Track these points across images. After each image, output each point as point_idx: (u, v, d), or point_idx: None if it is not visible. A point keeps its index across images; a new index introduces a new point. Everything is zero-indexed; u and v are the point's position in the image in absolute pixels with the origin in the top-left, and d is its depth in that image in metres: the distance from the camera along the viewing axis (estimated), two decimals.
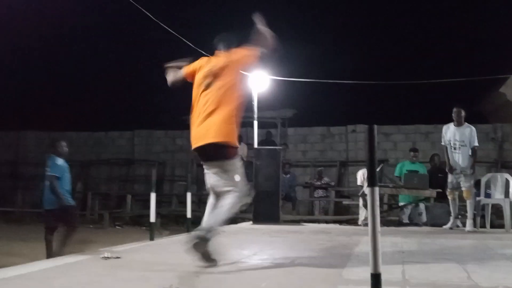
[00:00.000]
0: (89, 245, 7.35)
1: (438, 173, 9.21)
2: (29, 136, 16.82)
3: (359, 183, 9.52)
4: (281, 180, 10.23)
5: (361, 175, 9.51)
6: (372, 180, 2.54)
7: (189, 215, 7.36)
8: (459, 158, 7.59)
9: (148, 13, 7.60)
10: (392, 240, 5.80)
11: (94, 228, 12.72)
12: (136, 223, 13.19)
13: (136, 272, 3.66)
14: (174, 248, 5.37)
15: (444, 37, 22.61)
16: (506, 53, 14.77)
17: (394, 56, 22.29)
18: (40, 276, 3.52)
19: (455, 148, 7.63)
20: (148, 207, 6.31)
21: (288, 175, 12.39)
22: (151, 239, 6.06)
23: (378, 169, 9.95)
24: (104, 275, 3.55)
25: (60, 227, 6.77)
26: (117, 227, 13.08)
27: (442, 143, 7.88)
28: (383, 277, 2.51)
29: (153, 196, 6.21)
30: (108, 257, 4.21)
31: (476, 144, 7.62)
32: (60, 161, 7.13)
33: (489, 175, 8.51)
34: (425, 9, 22.66)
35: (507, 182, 8.01)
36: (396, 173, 9.85)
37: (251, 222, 8.51)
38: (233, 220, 11.25)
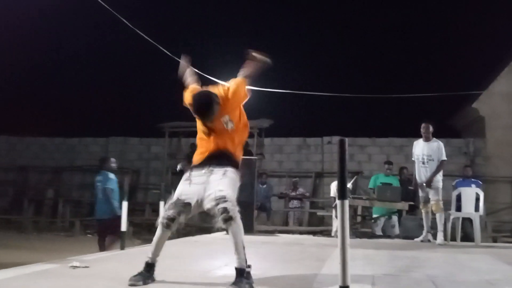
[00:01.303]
0: (58, 253, 7.21)
1: (408, 186, 9.33)
2: (1, 141, 16.48)
3: (332, 194, 9.56)
4: (257, 190, 10.31)
5: (334, 186, 9.56)
6: (342, 193, 2.55)
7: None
8: (426, 172, 7.72)
9: (125, 20, 7.55)
10: (363, 253, 5.82)
11: (64, 236, 12.51)
12: None
13: (104, 282, 3.60)
14: (144, 258, 5.29)
15: (420, 51, 23.01)
16: (479, 69, 15.11)
17: (370, 70, 22.61)
18: (5, 285, 3.42)
19: (423, 163, 7.77)
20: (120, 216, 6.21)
21: (265, 185, 12.39)
22: (122, 248, 5.97)
23: (352, 181, 10.08)
24: (70, 285, 3.47)
25: (108, 234, 7.50)
26: (88, 235, 12.86)
27: (413, 159, 8.03)
28: None
29: (124, 205, 6.12)
30: (76, 266, 4.13)
31: (444, 158, 7.76)
32: (112, 175, 7.90)
33: (460, 189, 8.63)
34: (400, 24, 23.06)
35: (478, 196, 8.14)
36: (370, 185, 9.94)
37: (224, 232, 8.45)
38: (207, 230, 11.21)
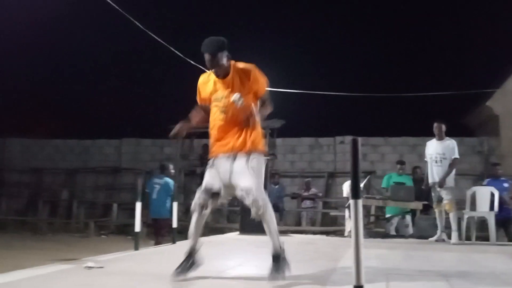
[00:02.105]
0: (72, 254, 7.27)
1: (421, 185, 9.27)
2: (15, 143, 16.67)
3: (345, 194, 9.53)
4: (269, 190, 10.42)
5: (347, 186, 9.53)
6: (355, 193, 2.54)
7: (175, 225, 7.31)
8: (440, 171, 7.67)
9: (137, 23, 7.60)
10: (377, 252, 5.79)
11: (79, 237, 12.61)
12: (122, 232, 13.07)
13: (118, 282, 3.62)
14: (158, 258, 5.33)
15: (433, 50, 22.86)
16: (493, 67, 14.97)
17: (384, 69, 22.50)
18: (21, 285, 3.47)
19: (436, 161, 7.74)
20: (134, 216, 6.25)
21: (277, 186, 12.38)
22: (136, 248, 6.00)
23: (365, 181, 10.03)
24: (86, 285, 3.50)
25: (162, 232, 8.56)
26: (102, 236, 12.96)
27: (425, 159, 7.99)
28: None
29: (138, 205, 6.15)
30: (91, 267, 4.16)
31: (456, 156, 7.71)
32: (171, 181, 8.73)
33: (474, 188, 8.57)
34: (414, 23, 22.92)
35: (492, 195, 8.07)
36: (383, 185, 9.89)
37: (237, 233, 8.47)
38: (220, 230, 11.23)
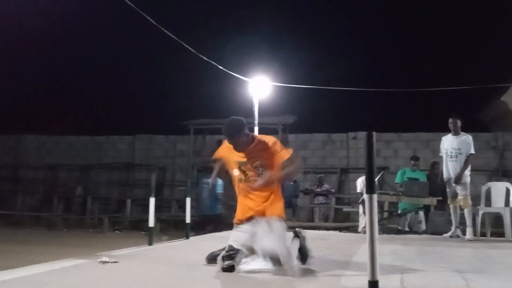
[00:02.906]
0: (87, 249, 7.33)
1: (437, 181, 9.19)
2: (30, 140, 16.83)
3: (358, 190, 9.50)
4: (284, 186, 10.51)
5: (361, 182, 9.50)
6: (370, 187, 2.53)
7: (188, 220, 7.34)
8: (456, 166, 7.60)
9: (150, 19, 7.62)
10: (391, 248, 5.77)
11: (93, 232, 12.72)
12: (136, 228, 13.16)
13: (133, 277, 3.65)
14: (172, 253, 5.36)
15: (447, 45, 22.63)
16: (508, 61, 14.78)
17: (396, 64, 22.34)
18: (37, 279, 3.51)
19: (451, 157, 7.66)
20: (148, 212, 6.28)
21: (292, 183, 12.45)
22: (150, 244, 6.03)
23: (378, 177, 9.98)
24: (101, 280, 3.53)
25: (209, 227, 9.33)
26: (116, 231, 13.06)
27: (440, 154, 7.92)
28: (381, 285, 2.50)
29: (152, 201, 6.18)
30: (106, 262, 4.20)
31: (472, 151, 7.63)
32: (220, 181, 9.07)
33: (489, 183, 8.49)
34: (428, 18, 22.72)
35: (508, 190, 7.99)
36: (397, 180, 9.82)
37: None
38: (232, 226, 11.26)
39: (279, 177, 4.08)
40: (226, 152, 4.26)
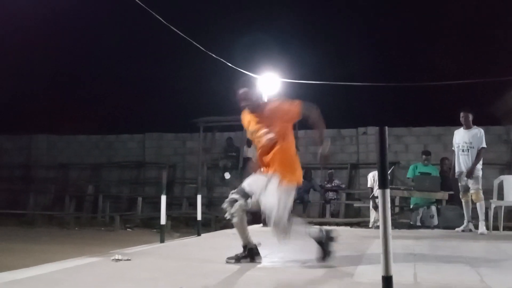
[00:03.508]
0: (100, 247, 7.37)
1: (448, 176, 9.14)
2: (41, 140, 16.94)
3: (369, 185, 9.47)
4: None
5: (371, 177, 9.47)
6: (383, 182, 2.51)
7: (199, 217, 7.36)
8: (468, 160, 7.55)
9: (159, 17, 7.62)
10: (403, 243, 5.75)
11: (105, 231, 12.79)
12: (147, 226, 13.23)
13: (146, 274, 3.67)
14: (184, 250, 5.38)
15: (458, 38, 22.45)
16: None
17: (406, 58, 22.18)
18: (50, 278, 3.53)
19: (463, 150, 7.62)
20: (159, 210, 6.31)
21: (307, 181, 12.54)
22: (162, 241, 6.07)
23: (389, 171, 9.94)
24: (114, 277, 3.55)
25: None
26: (128, 229, 13.13)
27: (453, 148, 7.88)
28: (395, 280, 2.48)
29: (163, 199, 6.21)
30: (118, 259, 4.22)
31: (484, 145, 7.58)
32: None
33: (501, 177, 8.42)
34: (438, 10, 22.53)
35: None
36: (409, 175, 9.77)
37: (261, 225, 8.49)
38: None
39: (320, 135, 4.22)
40: (244, 119, 4.34)
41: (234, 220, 4.06)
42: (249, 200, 4.01)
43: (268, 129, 4.07)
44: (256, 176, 4.16)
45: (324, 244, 4.02)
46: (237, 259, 4.11)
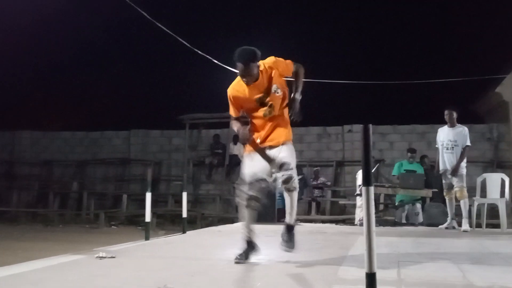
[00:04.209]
0: (84, 244, 7.31)
1: (431, 173, 9.24)
2: (25, 136, 16.75)
3: (358, 183, 9.52)
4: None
5: (361, 174, 9.53)
6: (367, 180, 2.53)
7: (185, 214, 7.33)
8: (452, 158, 7.62)
9: (144, 13, 7.58)
10: (387, 240, 5.80)
11: (89, 228, 12.70)
12: (132, 223, 13.16)
13: (130, 272, 3.65)
14: (169, 247, 5.36)
15: (441, 36, 22.65)
16: (502, 53, 14.80)
17: (391, 56, 22.33)
18: (34, 276, 3.50)
19: (447, 148, 7.68)
20: (144, 207, 6.29)
21: (300, 177, 12.58)
22: (146, 238, 6.04)
23: (374, 169, 10.00)
24: (98, 275, 3.53)
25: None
26: (112, 226, 13.05)
27: (436, 146, 7.94)
28: (379, 277, 2.50)
29: (148, 196, 6.18)
30: (103, 257, 4.19)
31: (468, 143, 7.66)
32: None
33: (484, 175, 8.52)
34: (422, 9, 22.70)
35: (503, 182, 8.02)
36: (394, 173, 9.83)
37: (242, 224, 8.49)
38: (230, 220, 11.27)
39: (299, 88, 4.08)
40: (240, 92, 4.09)
41: (251, 210, 4.04)
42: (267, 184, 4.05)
43: (277, 86, 4.02)
44: (257, 157, 4.07)
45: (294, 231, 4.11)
46: (246, 255, 4.07)
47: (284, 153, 3.98)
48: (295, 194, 3.99)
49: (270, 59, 4.08)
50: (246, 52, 3.94)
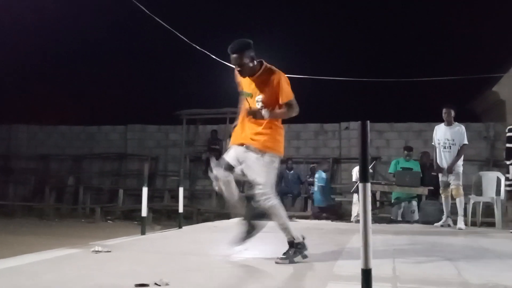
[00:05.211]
0: (80, 239, 7.31)
1: (430, 171, 9.24)
2: (21, 130, 16.71)
3: (354, 179, 9.54)
4: (284, 176, 12.23)
5: (357, 171, 9.54)
6: (364, 176, 2.53)
7: (181, 210, 7.34)
8: (448, 156, 7.62)
9: (142, 7, 7.55)
10: (383, 237, 5.81)
11: (85, 222, 12.68)
12: (128, 218, 13.15)
13: (126, 266, 3.65)
14: (165, 242, 5.36)
15: (439, 35, 22.66)
16: (499, 52, 14.83)
17: (388, 54, 22.34)
18: (29, 269, 3.49)
19: (445, 147, 7.66)
20: (140, 202, 6.28)
21: (292, 171, 12.57)
22: (142, 233, 6.04)
23: (370, 166, 10.01)
24: (94, 269, 3.53)
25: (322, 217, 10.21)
26: (108, 221, 13.04)
27: (433, 143, 7.93)
28: (374, 273, 2.50)
29: (145, 191, 6.18)
30: (98, 251, 4.19)
31: (466, 142, 7.66)
32: (323, 174, 11.12)
33: (480, 173, 8.55)
34: (420, 7, 22.71)
35: (498, 180, 8.05)
36: (391, 170, 9.86)
37: (242, 218, 8.50)
38: (225, 215, 11.26)
39: (277, 114, 3.97)
40: (237, 79, 4.16)
41: (225, 187, 3.97)
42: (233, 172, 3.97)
43: (262, 98, 3.93)
44: (234, 148, 4.04)
45: (296, 245, 3.93)
46: (246, 236, 4.08)
47: (254, 169, 3.87)
48: (274, 210, 3.87)
49: (277, 72, 3.97)
50: (237, 43, 3.93)
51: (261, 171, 3.86)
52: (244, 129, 4.04)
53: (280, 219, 3.91)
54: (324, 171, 11.28)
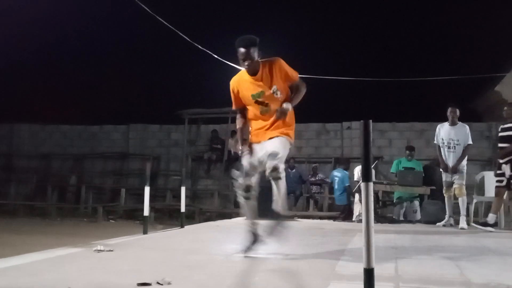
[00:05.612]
0: (82, 238, 7.32)
1: (435, 171, 9.22)
2: (23, 129, 16.74)
3: (356, 178, 9.53)
4: (286, 174, 11.30)
5: (358, 170, 9.52)
6: (366, 176, 2.53)
7: (183, 209, 7.34)
8: (452, 156, 7.59)
9: (145, 7, 7.56)
10: (385, 237, 5.80)
11: (87, 222, 12.70)
12: (130, 217, 13.17)
13: (128, 265, 3.65)
14: (167, 242, 5.36)
15: (441, 34, 22.63)
16: (502, 51, 14.80)
17: (391, 53, 22.31)
18: (32, 268, 3.49)
19: (449, 147, 7.63)
20: (142, 201, 6.29)
21: (294, 170, 12.57)
22: (145, 232, 6.05)
23: (372, 166, 10.00)
24: (96, 268, 3.53)
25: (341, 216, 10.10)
26: (110, 220, 13.06)
27: (435, 142, 7.89)
28: (376, 272, 2.50)
29: (147, 190, 6.18)
30: (101, 250, 4.19)
31: (470, 142, 7.63)
32: (345, 173, 10.68)
33: (483, 173, 8.53)
34: (422, 7, 22.68)
35: None
36: (393, 170, 9.84)
37: (244, 217, 8.50)
38: (227, 215, 11.27)
39: (296, 101, 4.13)
40: (240, 85, 4.18)
41: (250, 202, 4.12)
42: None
43: (277, 87, 4.03)
44: (251, 154, 4.12)
45: (283, 218, 4.08)
46: (250, 247, 4.11)
47: (273, 144, 4.01)
48: (281, 183, 3.95)
49: (274, 58, 4.09)
50: (247, 38, 4.00)
51: (280, 145, 3.99)
52: (263, 128, 4.15)
53: (282, 193, 4.00)
54: (345, 169, 10.93)
